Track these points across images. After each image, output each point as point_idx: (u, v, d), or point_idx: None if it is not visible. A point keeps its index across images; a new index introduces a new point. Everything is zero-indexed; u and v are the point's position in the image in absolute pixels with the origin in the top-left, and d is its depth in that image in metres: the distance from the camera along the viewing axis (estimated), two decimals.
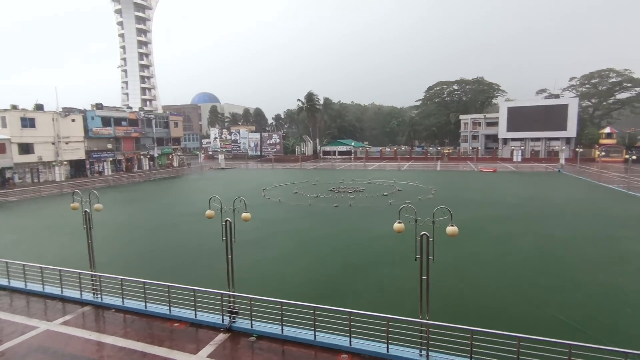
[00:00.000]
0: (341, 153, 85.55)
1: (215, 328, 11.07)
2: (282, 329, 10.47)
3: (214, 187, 42.07)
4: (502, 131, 75.86)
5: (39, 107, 49.76)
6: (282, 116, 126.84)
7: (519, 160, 69.85)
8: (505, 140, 76.88)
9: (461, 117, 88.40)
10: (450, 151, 79.99)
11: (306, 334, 10.29)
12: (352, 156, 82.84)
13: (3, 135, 44.71)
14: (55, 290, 13.58)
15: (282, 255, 17.90)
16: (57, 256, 17.31)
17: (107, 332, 11.10)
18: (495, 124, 78.55)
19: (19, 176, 46.82)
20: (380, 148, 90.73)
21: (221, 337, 10.66)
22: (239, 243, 11.39)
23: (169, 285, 11.78)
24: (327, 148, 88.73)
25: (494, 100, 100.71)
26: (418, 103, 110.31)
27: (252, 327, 10.80)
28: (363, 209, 28.24)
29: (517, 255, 17.36)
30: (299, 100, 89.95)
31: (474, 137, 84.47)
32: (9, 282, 14.41)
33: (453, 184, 42.00)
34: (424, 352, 9.22)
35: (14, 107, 46.54)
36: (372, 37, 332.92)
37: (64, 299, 13.28)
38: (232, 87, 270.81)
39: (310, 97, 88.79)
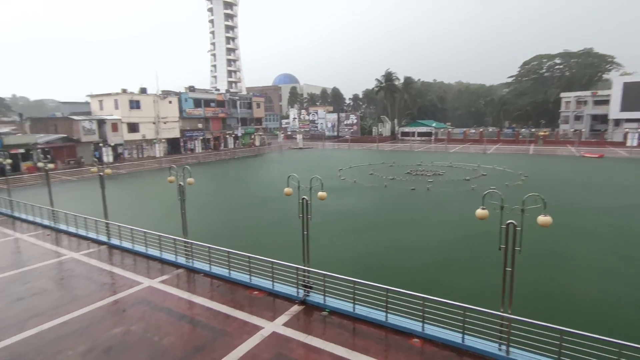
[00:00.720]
0: (421, 134, 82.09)
1: (290, 299, 11.63)
2: (353, 307, 10.61)
3: (291, 166, 43.57)
4: (614, 111, 65.50)
5: (143, 91, 55.77)
6: (360, 96, 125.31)
7: (635, 144, 60.06)
8: (617, 122, 66.33)
9: (562, 95, 78.10)
10: (547, 133, 71.62)
11: (377, 315, 10.30)
12: (433, 138, 79.01)
13: (116, 115, 51.26)
14: (155, 252, 15.42)
15: (355, 236, 18.00)
16: (157, 222, 19.57)
17: (197, 293, 12.34)
18: (606, 102, 67.98)
19: (128, 152, 53.54)
20: (464, 129, 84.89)
21: (296, 308, 11.18)
22: (315, 220, 11.68)
23: (249, 256, 12.62)
24: (406, 129, 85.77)
25: (605, 75, 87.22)
26: (510, 80, 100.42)
27: (324, 302, 11.13)
28: (442, 193, 26.98)
29: (622, 254, 15.18)
30: (377, 79, 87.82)
31: (577, 118, 74.35)
32: (121, 243, 16.74)
33: (548, 170, 37.82)
34: (503, 347, 8.64)
35: (124, 91, 52.83)
36: (458, 11, 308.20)
37: (162, 261, 15.04)
38: (311, 68, 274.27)
39: (389, 76, 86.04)
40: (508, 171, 36.20)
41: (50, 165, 21.89)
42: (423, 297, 9.54)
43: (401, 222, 20.13)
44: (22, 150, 41.77)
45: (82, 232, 18.48)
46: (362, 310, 10.58)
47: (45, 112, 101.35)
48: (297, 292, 11.72)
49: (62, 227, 19.48)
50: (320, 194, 11.43)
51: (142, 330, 10.13)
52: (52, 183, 22.60)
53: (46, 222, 20.42)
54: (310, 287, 11.62)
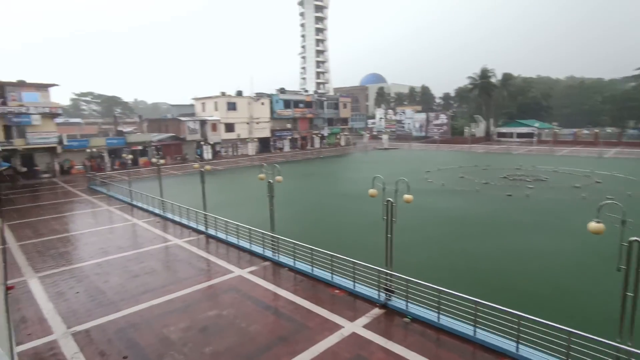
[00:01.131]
0: (520, 135, 74.70)
1: (371, 302, 11.48)
2: (438, 317, 10.05)
3: (376, 166, 43.11)
4: None
5: (239, 93, 60.28)
6: (452, 95, 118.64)
7: None
8: None
9: None
10: None
11: (464, 328, 9.60)
12: (535, 139, 71.31)
13: (215, 116, 56.30)
14: (245, 244, 16.52)
15: (442, 242, 17.09)
16: (248, 216, 20.94)
17: (282, 286, 12.89)
18: None
19: (224, 150, 58.41)
20: (575, 130, 74.80)
21: (376, 311, 10.99)
22: (399, 223, 11.35)
23: (332, 255, 12.77)
24: (503, 129, 78.80)
25: None
26: (638, 72, 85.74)
27: (407, 308, 10.75)
28: (544, 202, 24.19)
29: None
30: (470, 77, 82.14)
31: None
32: (216, 233, 18.29)
33: None
34: None
35: (223, 94, 57.70)
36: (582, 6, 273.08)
37: (251, 253, 16.04)
38: (400, 67, 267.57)
39: (484, 73, 79.84)
40: (631, 179, 31.02)
41: (162, 161, 24.94)
42: (518, 314, 8.62)
43: (493, 231, 18.55)
44: (140, 147, 48.29)
45: (184, 221, 20.64)
46: (447, 321, 9.96)
47: (159, 114, 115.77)
48: (379, 295, 11.51)
49: (169, 215, 22.00)
50: (405, 196, 11.06)
51: (232, 316, 10.91)
52: (162, 176, 25.70)
53: (157, 211, 23.27)
54: (392, 292, 11.32)
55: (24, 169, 39.39)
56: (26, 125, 38.38)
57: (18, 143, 38.10)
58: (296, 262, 14.22)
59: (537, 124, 74.90)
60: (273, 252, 15.32)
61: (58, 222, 22.39)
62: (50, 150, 40.70)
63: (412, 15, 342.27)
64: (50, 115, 40.07)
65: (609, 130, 76.36)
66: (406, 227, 17.88)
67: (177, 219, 21.32)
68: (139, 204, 25.25)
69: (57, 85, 40.92)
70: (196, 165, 20.94)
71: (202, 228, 19.27)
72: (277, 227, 15.65)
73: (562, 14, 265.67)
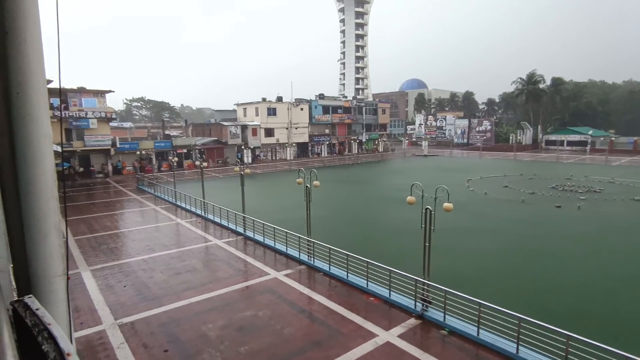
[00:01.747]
0: (571, 143, 70.38)
1: (407, 311, 11.25)
2: (477, 331, 9.66)
3: (415, 173, 42.28)
4: None
5: (279, 99, 61.50)
6: (497, 100, 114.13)
7: None
8: None
9: None
10: None
11: (507, 345, 9.16)
12: (588, 147, 66.90)
13: (256, 122, 57.79)
14: (282, 247, 16.77)
15: (484, 253, 16.42)
16: (285, 219, 21.25)
17: (316, 291, 12.95)
18: None
19: (264, 154, 59.73)
20: (635, 138, 69.28)
21: (412, 321, 10.75)
22: (438, 232, 11.06)
23: (367, 261, 12.66)
24: (553, 137, 74.57)
25: None
26: None
27: (444, 320, 10.42)
28: (598, 215, 22.60)
29: None
30: (515, 82, 78.36)
31: None
32: (254, 235, 18.72)
33: None
34: None
35: (264, 100, 59.16)
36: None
37: (287, 256, 16.25)
38: (441, 72, 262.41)
39: (531, 77, 75.94)
40: None
41: (204, 164, 25.95)
42: (567, 334, 8.10)
43: (539, 244, 17.55)
44: (185, 150, 50.52)
45: (224, 222, 21.31)
46: (487, 336, 9.55)
47: (203, 119, 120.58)
48: (415, 305, 11.25)
49: (210, 217, 22.80)
50: (445, 204, 10.77)
51: (268, 318, 11.10)
52: (204, 179, 26.73)
53: (199, 212, 24.20)
54: (430, 302, 11.03)
55: (81, 169, 42.46)
56: (84, 129, 41.41)
57: (77, 145, 41.18)
58: (331, 267, 14.23)
59: (590, 132, 70.18)
60: (309, 256, 15.44)
61: (109, 219, 23.90)
62: (105, 152, 43.62)
63: (455, 24, 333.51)
64: (105, 119, 43.01)
65: None
66: (446, 236, 17.36)
67: (217, 220, 22.05)
68: (183, 205, 26.38)
69: (113, 91, 43.88)
70: (236, 168, 21.61)
71: (240, 230, 19.79)
72: (313, 231, 15.76)
73: (613, 22, 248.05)
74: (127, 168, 45.66)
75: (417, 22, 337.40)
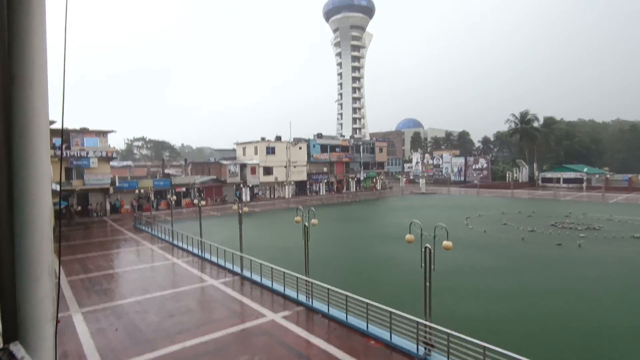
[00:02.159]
0: (567, 181, 70.99)
1: (409, 355, 10.80)
2: None
3: (413, 211, 42.19)
4: None
5: (278, 138, 62.55)
6: (492, 139, 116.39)
7: None
8: None
9: None
10: None
11: None
12: (584, 185, 67.39)
13: (255, 160, 58.41)
14: (279, 287, 16.37)
15: (486, 294, 16.04)
16: (283, 258, 20.92)
17: (315, 333, 12.49)
18: None
19: (262, 192, 59.81)
20: (629, 176, 70.05)
21: None
22: (439, 271, 10.87)
23: (367, 302, 12.32)
24: (549, 174, 75.36)
25: None
26: None
27: None
28: (599, 253, 22.35)
29: None
30: (509, 120, 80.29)
31: None
32: (251, 275, 18.32)
33: None
34: None
35: (263, 139, 60.16)
36: (607, 35, 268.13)
37: (285, 297, 15.82)
38: (436, 112, 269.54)
39: (524, 116, 78.01)
40: None
41: (202, 202, 25.89)
42: None
43: (543, 283, 17.20)
44: (184, 189, 50.60)
45: (221, 262, 20.93)
46: None
47: (203, 158, 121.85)
48: (417, 349, 10.82)
49: (207, 256, 22.43)
50: (445, 243, 10.68)
51: None
52: (202, 217, 26.57)
53: (195, 251, 23.83)
54: (432, 345, 10.62)
55: (79, 208, 42.24)
56: (84, 167, 41.69)
57: (76, 184, 41.26)
58: (330, 308, 13.82)
59: (585, 169, 71.02)
60: (307, 296, 15.04)
61: (104, 259, 23.47)
62: (104, 191, 43.62)
63: (451, 68, 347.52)
64: (106, 158, 43.43)
65: None
66: (447, 275, 17.04)
67: (214, 259, 21.67)
68: (179, 244, 26.02)
69: (114, 131, 44.64)
70: (235, 207, 21.55)
71: (237, 269, 19.41)
72: (312, 270, 15.46)
73: (595, 58, 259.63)
74: (125, 207, 45.48)
75: (413, 65, 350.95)
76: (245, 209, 21.74)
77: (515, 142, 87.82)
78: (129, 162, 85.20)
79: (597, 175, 70.38)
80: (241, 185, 55.80)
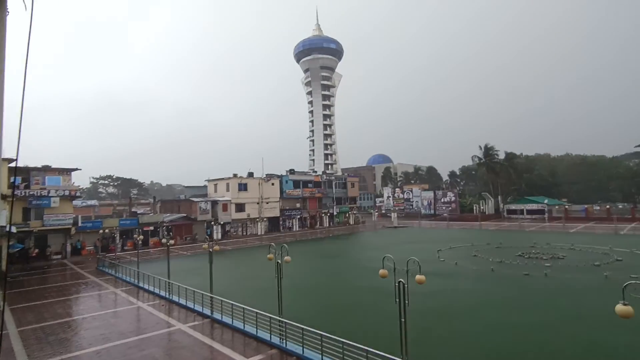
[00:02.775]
0: (530, 212, 74.14)
1: None
2: None
3: (386, 245, 42.43)
4: None
5: (250, 175, 62.36)
6: (458, 173, 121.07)
7: None
8: None
9: None
10: None
11: None
12: (546, 215, 70.56)
13: (226, 197, 57.59)
14: (252, 329, 15.72)
15: (461, 327, 16.06)
16: (255, 298, 20.25)
17: None
18: None
19: (234, 229, 58.57)
20: (586, 206, 74.24)
21: None
22: (413, 306, 10.87)
23: (343, 342, 12.03)
24: (513, 206, 78.56)
25: None
26: (639, 149, 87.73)
27: None
28: (565, 281, 23.11)
29: None
30: (475, 156, 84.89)
31: None
32: (222, 318, 17.55)
33: None
34: None
35: (235, 175, 59.75)
36: (562, 82, 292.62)
37: (257, 339, 15.17)
38: (405, 148, 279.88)
39: (488, 151, 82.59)
40: None
41: (171, 242, 25.02)
42: None
43: (513, 314, 17.48)
44: (152, 228, 48.78)
45: (190, 304, 19.98)
46: None
47: (173, 195, 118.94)
48: None
49: (175, 298, 21.38)
50: (418, 277, 10.78)
51: None
52: (170, 257, 25.56)
53: (162, 293, 22.68)
54: None
55: (36, 250, 39.61)
56: (45, 207, 39.57)
57: (34, 225, 38.92)
58: (305, 349, 13.36)
59: (546, 201, 74.74)
60: (280, 338, 14.51)
61: (62, 305, 21.85)
62: (65, 231, 41.30)
63: (418, 102, 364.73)
64: (69, 197, 41.50)
65: (620, 206, 75.61)
66: (422, 310, 17.01)
67: (182, 301, 20.66)
68: (145, 286, 24.73)
69: (79, 169, 43.14)
70: (205, 245, 20.95)
71: (207, 312, 18.56)
72: (286, 310, 15.04)
73: (552, 102, 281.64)
74: (87, 248, 43.09)
75: (381, 100, 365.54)
76: (216, 247, 21.18)
77: (480, 175, 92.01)
78: (94, 201, 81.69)
79: (557, 207, 74.03)
80: (212, 223, 54.49)
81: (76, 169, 42.91)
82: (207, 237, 52.30)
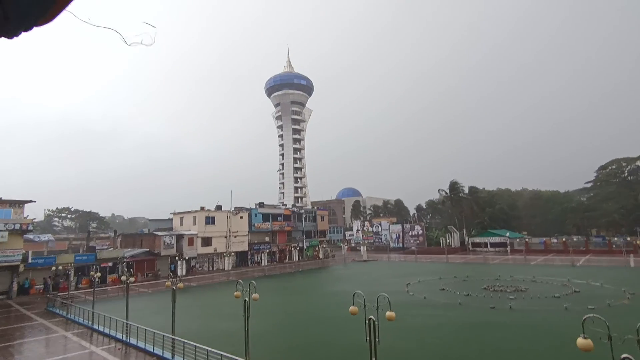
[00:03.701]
0: (493, 245, 76.64)
1: None
2: None
3: (356, 279, 42.14)
4: None
5: (218, 208, 61.04)
6: (424, 207, 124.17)
7: None
8: None
9: None
10: None
11: None
12: (509, 248, 73.11)
13: (193, 231, 55.75)
14: None
15: None
16: (221, 338, 19.27)
17: None
18: None
19: (199, 265, 56.35)
20: (544, 239, 77.79)
21: None
22: (384, 343, 10.73)
23: None
24: (477, 239, 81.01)
25: None
26: (589, 185, 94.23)
27: None
28: (528, 314, 23.71)
29: None
30: (441, 190, 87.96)
31: None
32: None
33: None
34: None
35: (202, 209, 58.28)
36: (528, 125, 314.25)
37: None
38: (373, 182, 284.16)
39: (453, 186, 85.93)
40: (607, 287, 31.36)
41: (131, 279, 23.66)
42: None
43: (483, 349, 17.61)
44: (110, 264, 46.03)
45: (149, 347, 18.67)
46: None
47: (136, 229, 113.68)
48: None
49: (133, 341, 19.94)
50: (388, 314, 10.75)
51: None
52: (130, 295, 24.08)
53: (119, 336, 21.12)
54: None
55: None
56: None
57: None
58: None
59: (507, 234, 77.72)
60: None
61: (3, 353, 19.79)
62: (12, 269, 38.12)
63: (387, 138, 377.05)
64: (20, 231, 38.70)
65: (575, 239, 79.82)
66: (393, 347, 16.79)
67: (141, 344, 19.28)
68: (100, 328, 22.98)
69: (33, 201, 40.62)
70: (168, 283, 19.95)
71: (168, 355, 17.39)
72: (253, 351, 14.40)
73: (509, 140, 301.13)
74: (36, 287, 39.82)
75: (351, 136, 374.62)
76: (180, 284, 20.24)
77: (446, 209, 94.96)
78: (49, 236, 76.54)
79: (518, 239, 77.06)
80: (177, 258, 52.21)
81: (30, 201, 40.40)
82: (171, 273, 49.96)
